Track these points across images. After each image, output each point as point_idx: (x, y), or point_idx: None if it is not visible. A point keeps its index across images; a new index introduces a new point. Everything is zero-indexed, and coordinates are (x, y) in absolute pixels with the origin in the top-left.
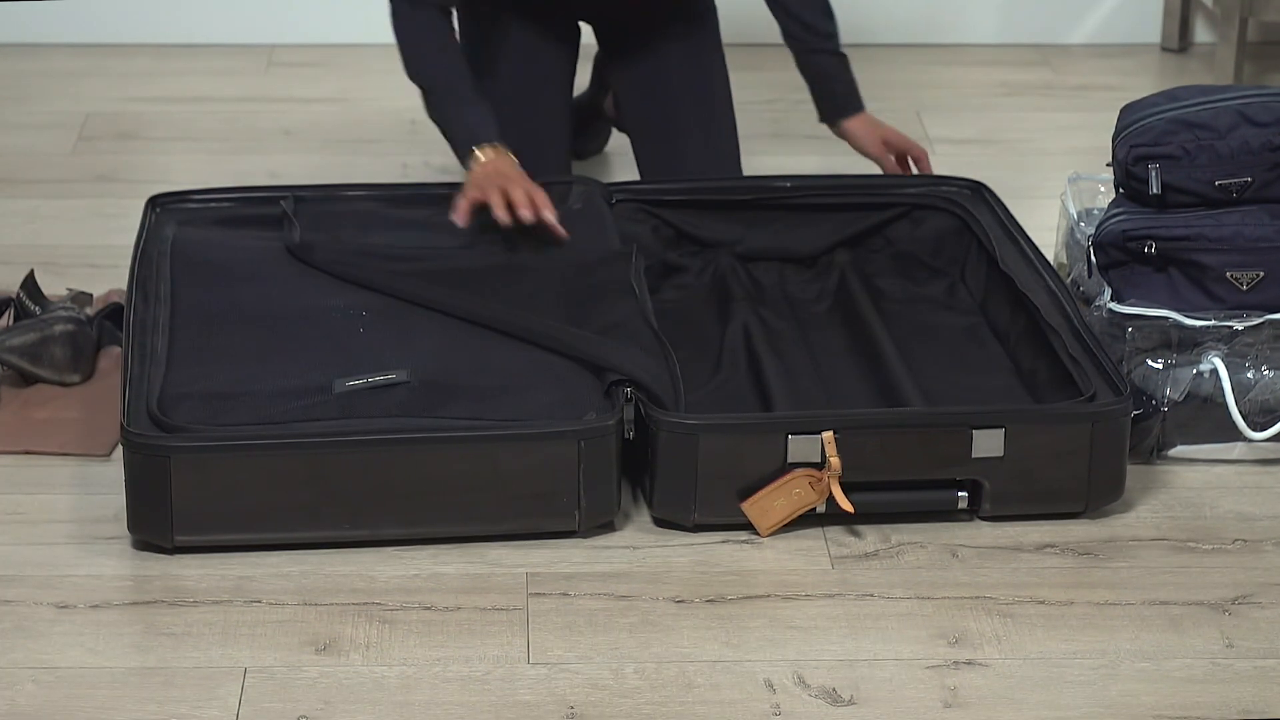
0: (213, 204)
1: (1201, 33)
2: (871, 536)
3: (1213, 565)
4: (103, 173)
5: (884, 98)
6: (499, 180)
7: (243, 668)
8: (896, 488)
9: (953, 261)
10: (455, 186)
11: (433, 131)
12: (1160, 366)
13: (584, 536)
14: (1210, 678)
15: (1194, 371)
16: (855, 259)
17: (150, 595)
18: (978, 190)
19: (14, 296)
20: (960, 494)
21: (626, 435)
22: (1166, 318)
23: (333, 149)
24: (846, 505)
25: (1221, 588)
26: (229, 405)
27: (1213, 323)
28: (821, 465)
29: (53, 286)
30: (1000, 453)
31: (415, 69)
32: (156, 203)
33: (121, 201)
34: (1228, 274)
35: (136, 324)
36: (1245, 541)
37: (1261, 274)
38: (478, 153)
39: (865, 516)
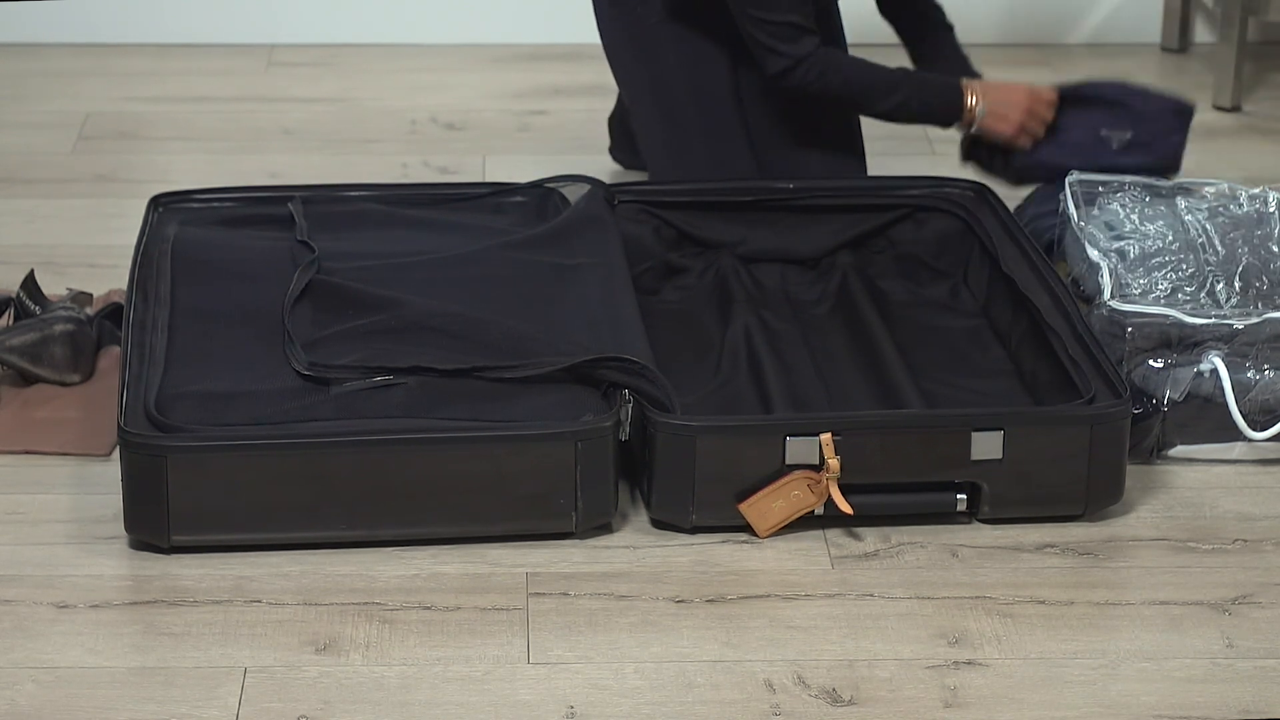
0: (215, 204)
1: (1201, 33)
2: (871, 537)
3: (1213, 565)
4: (103, 173)
5: None
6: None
7: (243, 668)
8: (895, 490)
9: (955, 263)
10: (455, 186)
11: (433, 131)
12: (1160, 366)
13: (582, 537)
14: (1210, 678)
15: (1194, 371)
16: (857, 261)
17: (150, 595)
18: (980, 192)
19: (14, 296)
20: (959, 496)
21: (622, 436)
22: (1167, 316)
23: (333, 149)
24: (845, 507)
25: (1221, 588)
26: (227, 405)
27: (1213, 321)
28: (820, 467)
29: (53, 286)
30: (999, 455)
31: (874, 95)
32: (159, 202)
33: (121, 201)
34: (1101, 131)
35: (136, 324)
36: (1245, 541)
37: (1129, 135)
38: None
39: (864, 518)
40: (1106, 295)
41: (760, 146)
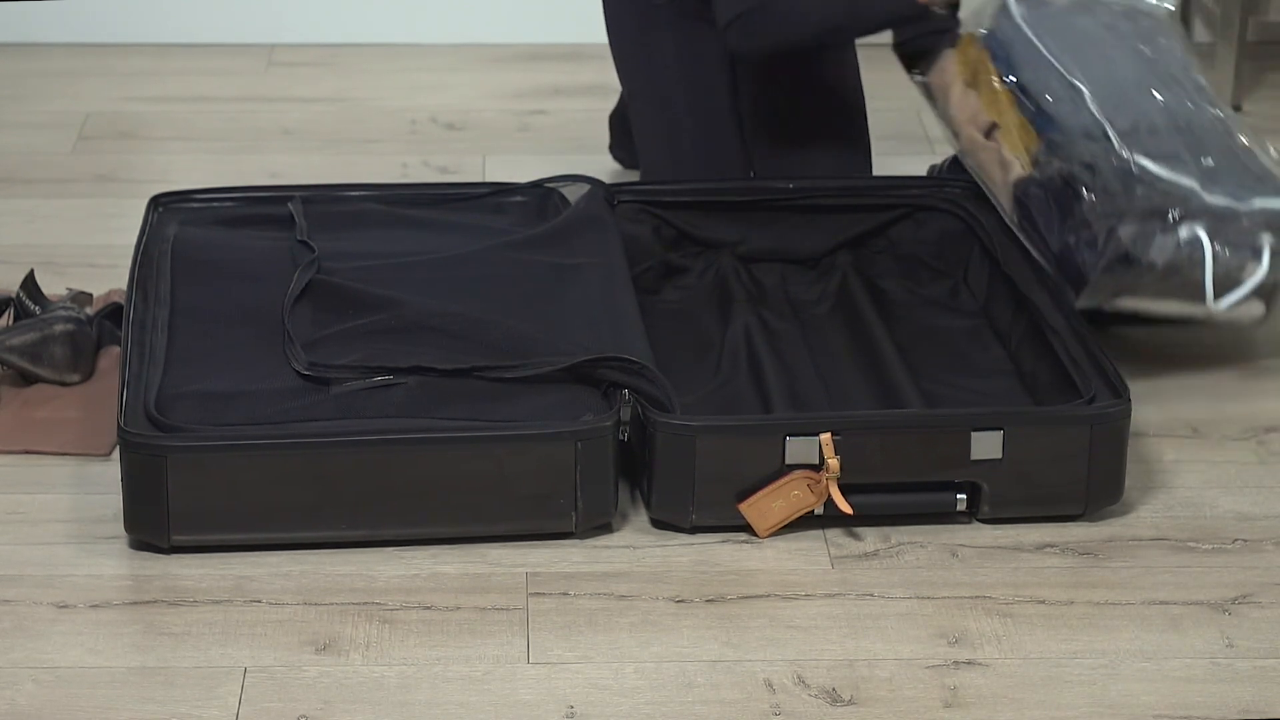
0: (215, 204)
1: (1201, 33)
2: (871, 536)
3: (1213, 565)
4: (103, 172)
5: (884, 97)
6: None
7: (243, 668)
8: (895, 490)
9: (955, 263)
10: (455, 186)
11: (433, 131)
12: (1152, 228)
13: (582, 537)
14: (1210, 678)
15: (1178, 237)
16: (857, 260)
17: (150, 595)
18: (980, 192)
19: (14, 296)
20: (959, 496)
21: (622, 437)
22: (1190, 188)
23: (333, 149)
24: (845, 507)
25: (1221, 588)
26: (227, 405)
27: (1226, 203)
28: (820, 467)
29: (53, 286)
30: (999, 455)
31: (811, 14)
32: (159, 202)
33: (121, 201)
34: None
35: (136, 323)
36: (1245, 541)
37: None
38: None
39: (864, 518)
40: (1117, 143)
41: (761, 142)
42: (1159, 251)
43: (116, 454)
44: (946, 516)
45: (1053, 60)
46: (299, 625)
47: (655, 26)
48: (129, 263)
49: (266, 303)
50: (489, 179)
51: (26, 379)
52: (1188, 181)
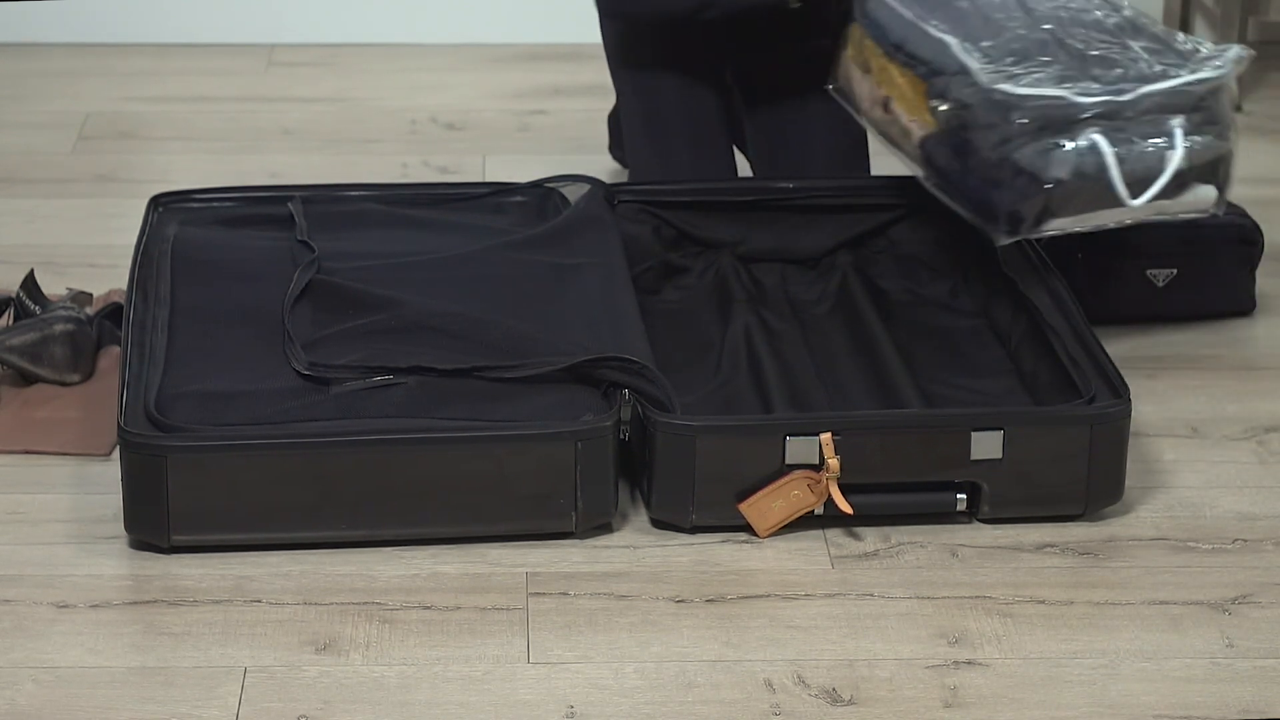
0: (215, 203)
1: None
2: (871, 536)
3: (1213, 565)
4: (103, 172)
5: None
6: None
7: (243, 668)
8: (895, 490)
9: (955, 263)
10: (455, 186)
11: (433, 131)
12: (1044, 146)
13: (582, 537)
14: (1210, 678)
15: (1075, 147)
16: (857, 260)
17: (150, 595)
18: None
19: (14, 296)
20: (959, 496)
21: (622, 437)
22: (1060, 98)
23: (333, 149)
24: (845, 507)
25: (1221, 588)
26: (227, 405)
27: (1102, 98)
28: (820, 467)
29: (53, 286)
30: (999, 455)
31: None
32: (159, 202)
33: (121, 201)
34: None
35: (135, 323)
36: (1245, 541)
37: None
38: None
39: (864, 517)
40: (983, 78)
41: (761, 142)
42: (1059, 166)
43: (116, 454)
44: (946, 516)
45: (917, 21)
46: (299, 625)
47: (638, 33)
48: (129, 263)
49: (266, 303)
50: (489, 179)
51: (26, 379)
52: (1057, 92)
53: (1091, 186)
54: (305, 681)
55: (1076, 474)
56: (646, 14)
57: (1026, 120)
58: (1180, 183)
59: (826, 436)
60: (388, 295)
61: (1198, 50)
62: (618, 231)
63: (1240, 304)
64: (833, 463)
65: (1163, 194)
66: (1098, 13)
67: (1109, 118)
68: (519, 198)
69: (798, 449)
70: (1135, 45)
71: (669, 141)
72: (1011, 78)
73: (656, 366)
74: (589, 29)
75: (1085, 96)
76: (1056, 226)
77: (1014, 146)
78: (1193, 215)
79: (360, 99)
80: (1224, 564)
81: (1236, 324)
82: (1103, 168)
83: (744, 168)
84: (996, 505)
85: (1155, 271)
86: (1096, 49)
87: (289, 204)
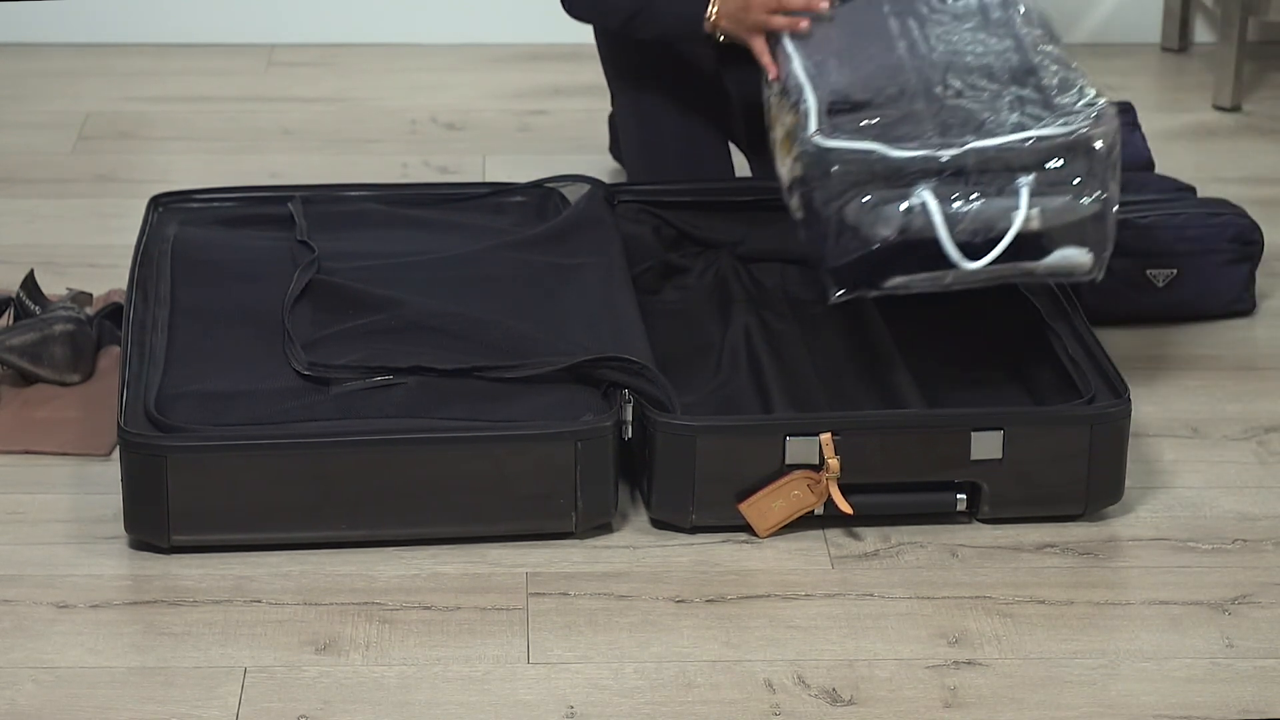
0: (215, 204)
1: (1201, 33)
2: (871, 536)
3: (1213, 565)
4: (103, 172)
5: None
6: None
7: (243, 668)
8: (895, 490)
9: None
10: (455, 186)
11: (433, 131)
12: (870, 201)
13: (582, 537)
14: (1210, 678)
15: (904, 206)
16: None
17: (150, 595)
18: None
19: (14, 296)
20: (959, 496)
21: (624, 436)
22: (871, 151)
23: (333, 149)
24: (845, 507)
25: (1221, 588)
26: (227, 405)
27: (919, 154)
28: (820, 467)
29: (53, 286)
30: (999, 455)
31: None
32: (159, 202)
33: (121, 201)
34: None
35: (135, 323)
36: (1245, 541)
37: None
38: (712, 6)
39: (864, 518)
40: (811, 129)
41: (759, 142)
42: (885, 225)
43: (116, 454)
44: (946, 516)
45: (794, 55)
46: (299, 625)
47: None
48: (129, 263)
49: (266, 303)
50: (489, 179)
51: (26, 379)
52: (869, 145)
53: (927, 247)
54: (305, 682)
55: (1076, 474)
56: (593, 19)
57: (845, 173)
58: (1041, 245)
59: (826, 436)
60: (388, 295)
61: (1077, 103)
62: (618, 232)
63: (1240, 304)
64: (833, 463)
65: (1013, 256)
66: (1010, 54)
67: (935, 174)
68: (519, 198)
69: (798, 449)
70: (1010, 94)
71: (664, 145)
72: (839, 129)
73: (656, 366)
74: (589, 29)
75: (901, 151)
76: (898, 285)
77: (844, 202)
78: (1069, 280)
79: (360, 99)
80: (1224, 564)
81: (1236, 324)
82: (931, 228)
83: (744, 168)
84: (996, 505)
85: (1155, 271)
86: (965, 97)
87: (289, 204)
